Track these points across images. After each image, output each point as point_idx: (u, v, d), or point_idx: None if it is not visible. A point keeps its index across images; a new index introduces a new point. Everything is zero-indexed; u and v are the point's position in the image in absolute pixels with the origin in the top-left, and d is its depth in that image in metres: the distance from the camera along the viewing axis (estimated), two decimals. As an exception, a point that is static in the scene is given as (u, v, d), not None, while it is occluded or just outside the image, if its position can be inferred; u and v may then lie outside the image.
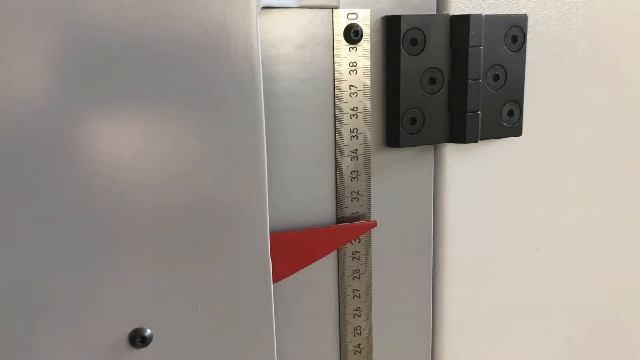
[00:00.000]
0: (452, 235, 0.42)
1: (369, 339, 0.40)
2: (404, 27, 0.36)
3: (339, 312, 0.39)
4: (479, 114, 0.39)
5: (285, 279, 0.36)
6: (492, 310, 0.46)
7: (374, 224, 0.38)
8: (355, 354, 0.40)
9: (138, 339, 0.30)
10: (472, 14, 0.37)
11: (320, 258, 0.36)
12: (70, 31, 0.26)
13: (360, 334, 0.40)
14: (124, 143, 0.28)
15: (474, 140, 0.39)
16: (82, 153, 0.27)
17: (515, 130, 0.42)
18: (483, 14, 0.38)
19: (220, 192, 0.31)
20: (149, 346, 0.30)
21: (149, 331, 0.30)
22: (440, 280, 0.43)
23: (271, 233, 0.34)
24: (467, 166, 0.42)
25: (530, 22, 0.42)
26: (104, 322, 0.29)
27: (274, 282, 0.34)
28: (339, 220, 0.38)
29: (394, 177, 0.39)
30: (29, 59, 0.26)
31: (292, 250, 0.35)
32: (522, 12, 0.42)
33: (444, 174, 0.41)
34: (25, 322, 0.28)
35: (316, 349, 0.39)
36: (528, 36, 0.42)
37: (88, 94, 0.27)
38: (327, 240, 0.36)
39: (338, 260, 0.38)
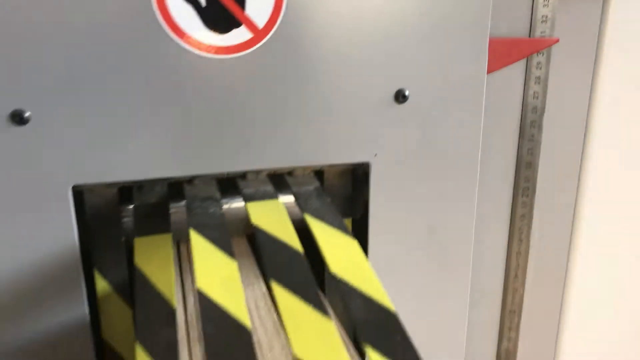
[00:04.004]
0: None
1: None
2: None
3: (521, 119, 0.54)
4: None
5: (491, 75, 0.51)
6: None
7: (556, 40, 0.51)
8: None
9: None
10: None
11: (515, 61, 0.50)
12: None
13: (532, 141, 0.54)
14: None
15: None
16: None
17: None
18: None
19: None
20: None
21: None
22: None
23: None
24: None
25: None
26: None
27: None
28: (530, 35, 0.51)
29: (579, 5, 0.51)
30: None
31: (498, 52, 0.50)
32: None
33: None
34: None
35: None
36: None
37: None
38: (520, 48, 0.50)
39: (526, 67, 0.52)
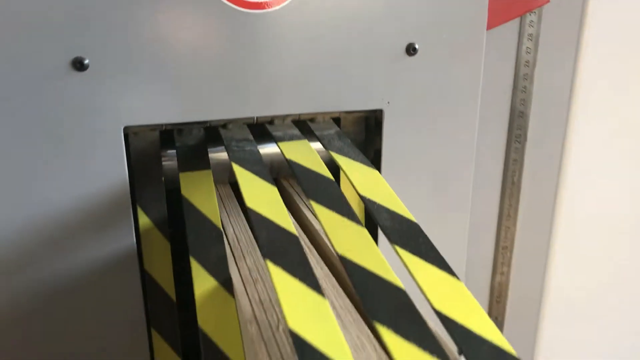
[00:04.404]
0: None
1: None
2: None
3: (515, 72, 0.60)
4: None
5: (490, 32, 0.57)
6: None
7: (547, 1, 0.57)
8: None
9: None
10: None
11: (511, 19, 0.56)
12: None
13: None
14: None
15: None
16: None
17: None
18: None
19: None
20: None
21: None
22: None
23: None
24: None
25: None
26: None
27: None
28: (523, -3, 0.57)
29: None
30: None
31: (496, 11, 0.55)
32: None
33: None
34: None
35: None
36: None
37: None
38: (516, 7, 0.56)
39: (520, 25, 0.58)
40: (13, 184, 0.45)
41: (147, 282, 0.54)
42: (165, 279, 0.54)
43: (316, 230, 0.48)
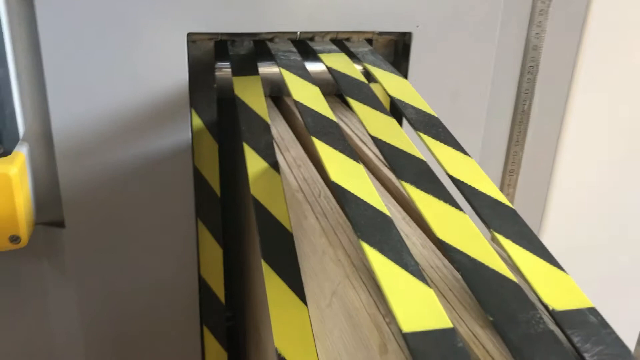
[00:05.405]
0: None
1: None
2: None
3: (531, 8, 0.66)
4: None
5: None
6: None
7: (566, -58, 0.62)
8: None
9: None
10: None
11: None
12: None
13: None
14: None
15: None
16: None
17: None
18: None
19: None
20: None
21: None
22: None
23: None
24: None
25: None
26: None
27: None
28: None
29: None
30: None
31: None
32: None
33: None
34: None
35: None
36: None
37: None
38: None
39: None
40: (95, 78, 0.53)
41: (196, 178, 0.62)
42: (212, 176, 0.63)
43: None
